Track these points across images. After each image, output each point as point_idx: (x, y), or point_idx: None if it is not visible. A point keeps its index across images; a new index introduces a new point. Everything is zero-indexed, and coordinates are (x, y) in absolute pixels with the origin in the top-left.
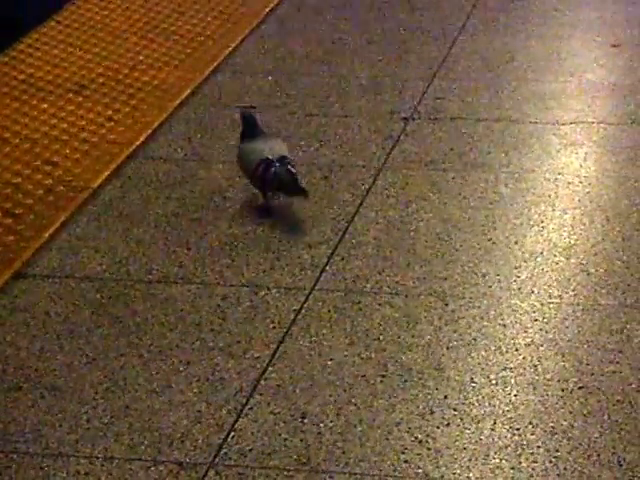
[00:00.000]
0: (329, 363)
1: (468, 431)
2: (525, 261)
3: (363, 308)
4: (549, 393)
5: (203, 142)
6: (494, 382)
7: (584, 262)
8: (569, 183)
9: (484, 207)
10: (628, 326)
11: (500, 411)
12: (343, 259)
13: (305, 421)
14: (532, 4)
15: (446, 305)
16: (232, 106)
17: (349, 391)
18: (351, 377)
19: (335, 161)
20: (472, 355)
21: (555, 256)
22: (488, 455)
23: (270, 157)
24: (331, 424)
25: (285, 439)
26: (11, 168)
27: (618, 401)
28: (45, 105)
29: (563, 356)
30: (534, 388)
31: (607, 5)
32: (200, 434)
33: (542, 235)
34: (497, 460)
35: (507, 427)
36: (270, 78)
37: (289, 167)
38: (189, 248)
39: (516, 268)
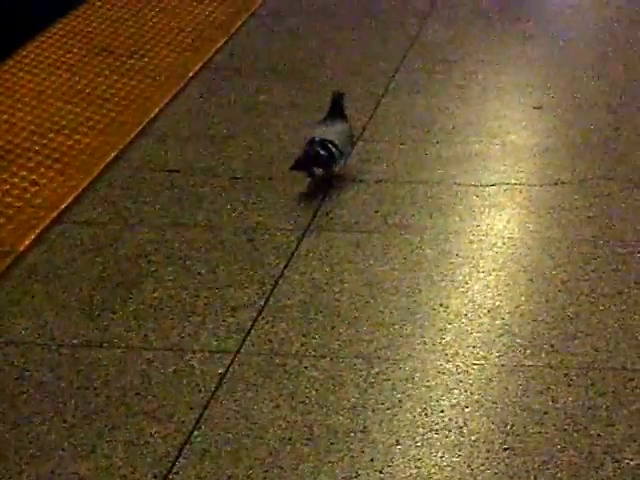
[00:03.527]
0: (254, 427)
1: None
2: (450, 322)
3: (288, 371)
4: (475, 454)
5: (127, 206)
6: (420, 444)
7: (508, 323)
8: (493, 244)
9: (409, 269)
10: (553, 387)
11: (426, 473)
12: (268, 322)
13: None
14: (454, 67)
15: (371, 367)
16: (156, 170)
17: (275, 454)
18: (277, 440)
19: (260, 223)
20: (398, 417)
21: (480, 317)
22: None
23: (312, 137)
24: None
25: None
26: None
27: (544, 462)
28: None
29: (488, 417)
30: (460, 450)
31: (529, 68)
32: None
33: (467, 296)
34: None
35: None
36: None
37: (316, 148)
38: (114, 312)
39: (441, 330)
